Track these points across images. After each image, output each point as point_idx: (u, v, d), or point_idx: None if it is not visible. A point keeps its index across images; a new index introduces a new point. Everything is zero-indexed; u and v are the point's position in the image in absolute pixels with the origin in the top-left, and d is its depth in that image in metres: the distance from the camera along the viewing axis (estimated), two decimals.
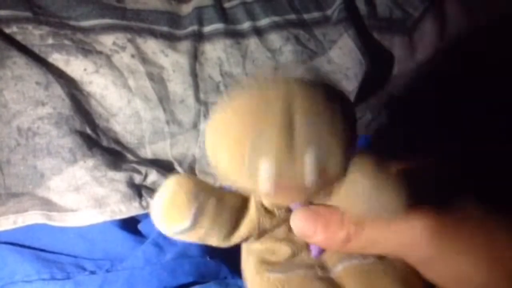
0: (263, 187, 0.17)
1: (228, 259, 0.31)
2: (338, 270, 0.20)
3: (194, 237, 0.19)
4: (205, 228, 0.18)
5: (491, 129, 0.38)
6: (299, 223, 0.19)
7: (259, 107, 0.16)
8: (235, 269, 0.31)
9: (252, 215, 0.19)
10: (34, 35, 0.36)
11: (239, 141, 0.16)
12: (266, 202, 0.19)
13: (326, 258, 0.20)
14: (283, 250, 0.20)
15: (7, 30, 0.35)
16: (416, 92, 0.42)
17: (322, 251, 0.20)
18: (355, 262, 0.20)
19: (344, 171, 0.17)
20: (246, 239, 0.20)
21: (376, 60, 0.42)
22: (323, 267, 0.20)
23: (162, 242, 0.31)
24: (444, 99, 0.40)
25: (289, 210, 0.20)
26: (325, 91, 0.17)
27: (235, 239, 0.19)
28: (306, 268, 0.20)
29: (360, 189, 0.17)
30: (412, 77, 0.42)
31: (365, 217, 0.18)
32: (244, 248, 0.21)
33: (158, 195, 0.18)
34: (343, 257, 0.20)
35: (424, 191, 0.18)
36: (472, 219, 0.19)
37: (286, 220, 0.20)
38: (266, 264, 0.20)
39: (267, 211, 0.19)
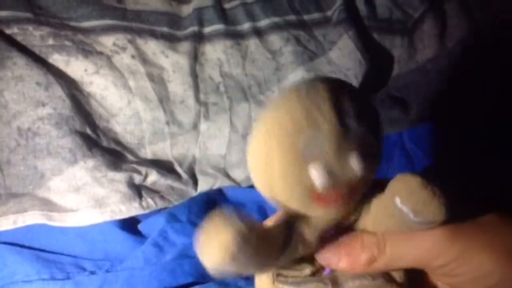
0: (317, 184, 0.17)
1: None
2: (349, 286, 0.21)
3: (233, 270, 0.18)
4: (242, 266, 0.18)
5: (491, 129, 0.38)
6: (324, 253, 0.20)
7: (311, 109, 0.17)
8: None
9: (294, 247, 0.19)
10: (34, 36, 0.36)
11: (295, 134, 0.17)
12: (307, 227, 0.19)
13: (338, 274, 0.21)
14: (306, 271, 0.21)
15: (8, 31, 0.35)
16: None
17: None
18: (365, 282, 0.21)
19: (375, 170, 0.19)
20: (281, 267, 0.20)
21: (376, 60, 0.42)
22: (335, 282, 0.21)
23: (162, 243, 0.31)
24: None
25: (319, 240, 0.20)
26: (359, 92, 0.19)
27: (273, 268, 0.20)
28: (318, 282, 0.20)
29: (406, 201, 0.18)
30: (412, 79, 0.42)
31: (400, 229, 0.19)
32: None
33: (202, 236, 0.18)
34: (354, 276, 0.21)
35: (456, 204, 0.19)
36: (486, 221, 0.20)
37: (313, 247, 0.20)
38: (281, 275, 0.21)
39: (304, 241, 0.20)
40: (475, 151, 0.37)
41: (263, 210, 0.35)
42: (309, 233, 0.20)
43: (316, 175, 0.17)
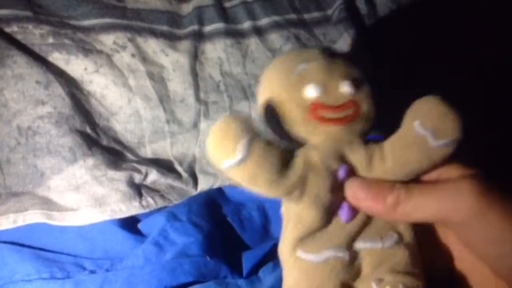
0: (311, 97, 0.21)
1: (228, 258, 0.31)
2: (360, 249, 0.22)
3: (242, 175, 0.20)
4: (253, 165, 0.19)
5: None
6: (355, 187, 0.21)
7: (304, 54, 0.22)
8: (235, 268, 0.31)
9: (298, 165, 0.21)
10: (34, 34, 0.36)
11: (290, 67, 0.21)
12: (314, 155, 0.21)
13: (351, 236, 0.22)
14: (312, 215, 0.21)
15: (8, 29, 0.35)
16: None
17: (352, 216, 0.22)
18: (377, 245, 0.22)
19: (371, 114, 0.22)
20: (290, 191, 0.20)
21: (377, 60, 0.41)
22: (350, 247, 0.21)
23: (162, 242, 0.31)
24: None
25: (333, 175, 0.21)
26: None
27: (282, 188, 0.20)
28: (335, 250, 0.21)
29: (427, 111, 0.21)
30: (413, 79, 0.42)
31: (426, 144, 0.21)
32: (285, 214, 0.22)
33: (211, 131, 0.20)
34: (366, 239, 0.22)
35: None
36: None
37: (329, 181, 0.21)
38: (301, 243, 0.21)
39: (313, 167, 0.21)
40: (475, 151, 0.37)
41: (263, 210, 0.35)
42: (318, 158, 0.21)
43: (310, 91, 0.21)
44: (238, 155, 0.19)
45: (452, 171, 0.21)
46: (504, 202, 0.20)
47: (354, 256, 0.21)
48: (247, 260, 0.32)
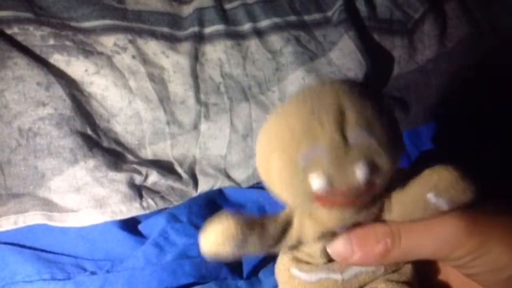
0: (316, 191, 0.17)
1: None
2: (354, 273, 0.21)
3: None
4: (246, 254, 0.19)
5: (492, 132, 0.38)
6: (336, 247, 0.20)
7: (311, 121, 0.17)
8: (235, 269, 0.31)
9: (294, 230, 0.20)
10: (35, 36, 0.36)
11: (293, 147, 0.17)
12: (312, 216, 0.20)
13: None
14: (319, 260, 0.21)
15: (9, 31, 0.35)
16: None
17: None
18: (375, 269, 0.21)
19: (395, 169, 0.18)
20: (284, 252, 0.21)
21: (376, 61, 0.42)
22: (344, 270, 0.21)
23: (162, 243, 0.31)
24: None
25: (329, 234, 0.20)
26: (370, 96, 0.18)
27: (275, 250, 0.20)
28: (328, 272, 0.21)
29: (434, 183, 0.19)
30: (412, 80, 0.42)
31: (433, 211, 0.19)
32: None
33: (203, 237, 0.19)
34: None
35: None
36: (502, 213, 0.20)
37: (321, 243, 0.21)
38: (296, 261, 0.21)
39: (309, 226, 0.20)
40: (474, 151, 0.37)
41: (263, 211, 0.35)
42: (313, 228, 0.20)
43: (315, 184, 0.17)
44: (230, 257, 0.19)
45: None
46: (494, 228, 0.20)
47: (349, 278, 0.21)
48: (248, 261, 0.32)
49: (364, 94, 0.18)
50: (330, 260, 0.21)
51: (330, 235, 0.20)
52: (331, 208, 0.19)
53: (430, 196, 0.19)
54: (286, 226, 0.20)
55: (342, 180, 0.17)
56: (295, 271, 0.21)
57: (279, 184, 0.18)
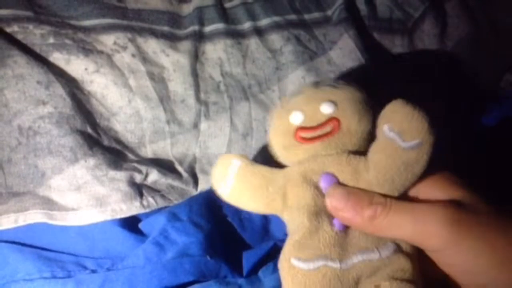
0: (294, 122, 0.23)
1: (228, 258, 0.31)
2: (354, 263, 0.22)
3: (232, 199, 0.25)
4: (238, 189, 0.24)
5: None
6: (333, 197, 0.22)
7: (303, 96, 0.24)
8: (235, 268, 0.31)
9: (277, 181, 0.24)
10: (35, 35, 0.36)
11: (284, 112, 0.24)
12: (302, 168, 0.24)
13: (347, 248, 0.22)
14: (296, 222, 0.23)
15: (8, 29, 0.35)
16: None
17: (345, 226, 0.22)
18: (373, 257, 0.22)
19: (361, 128, 0.23)
20: (270, 203, 0.24)
21: (376, 60, 0.42)
22: (342, 259, 0.22)
23: (162, 241, 0.31)
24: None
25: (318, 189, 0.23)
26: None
27: (262, 201, 0.24)
28: (326, 259, 0.22)
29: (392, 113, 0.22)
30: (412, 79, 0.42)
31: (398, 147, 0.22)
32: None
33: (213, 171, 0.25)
34: (362, 251, 0.22)
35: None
36: (488, 217, 0.20)
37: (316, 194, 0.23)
38: (295, 251, 0.22)
39: (292, 180, 0.24)
40: (474, 152, 0.37)
41: None
42: (296, 172, 0.24)
43: (293, 118, 0.23)
44: (228, 183, 0.24)
45: (436, 185, 0.22)
46: (478, 233, 0.20)
47: (348, 267, 0.22)
48: (247, 259, 0.32)
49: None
50: (319, 228, 0.22)
51: (313, 181, 0.23)
52: (307, 144, 0.23)
53: (385, 129, 0.21)
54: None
55: (313, 117, 0.23)
56: (294, 261, 0.22)
57: (273, 134, 0.24)
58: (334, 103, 0.23)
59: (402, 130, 0.21)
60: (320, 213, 0.22)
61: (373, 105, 0.24)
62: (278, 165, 0.25)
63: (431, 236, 0.20)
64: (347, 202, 0.21)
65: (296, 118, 0.23)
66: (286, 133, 0.24)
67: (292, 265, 0.22)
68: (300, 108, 0.23)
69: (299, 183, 0.23)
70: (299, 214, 0.22)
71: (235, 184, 0.24)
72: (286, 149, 0.24)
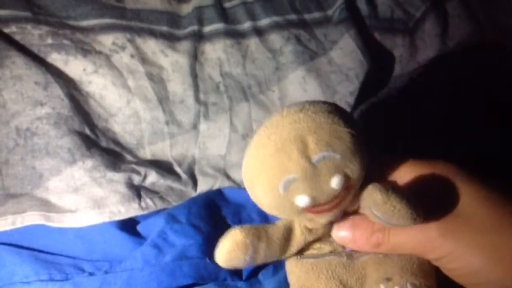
0: (303, 207, 0.21)
1: None
2: (363, 259, 0.23)
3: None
4: (260, 262, 0.23)
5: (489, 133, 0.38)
6: (340, 234, 0.24)
7: (283, 159, 0.20)
8: (235, 271, 0.31)
9: (298, 237, 0.23)
10: (33, 35, 0.35)
11: (270, 180, 0.20)
12: (309, 224, 0.23)
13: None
14: (326, 249, 0.24)
15: (6, 30, 0.35)
16: (417, 95, 0.41)
17: None
18: (379, 254, 0.23)
19: (364, 171, 0.21)
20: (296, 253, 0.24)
21: (377, 60, 0.41)
22: (350, 256, 0.24)
23: (161, 244, 0.31)
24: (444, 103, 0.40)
25: (327, 224, 0.24)
26: (328, 116, 0.20)
27: (287, 256, 0.24)
28: (334, 255, 0.24)
29: (377, 206, 0.21)
30: (414, 79, 0.42)
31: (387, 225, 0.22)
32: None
33: (218, 251, 0.22)
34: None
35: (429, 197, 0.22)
36: (478, 220, 0.22)
37: (326, 232, 0.24)
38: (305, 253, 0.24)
39: (310, 230, 0.23)
40: (474, 152, 0.37)
41: (263, 212, 0.35)
42: (312, 226, 0.23)
43: (301, 203, 0.21)
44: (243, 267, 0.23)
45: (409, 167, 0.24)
46: (470, 239, 0.22)
47: (355, 262, 0.23)
48: None
49: (321, 116, 0.20)
50: (332, 251, 0.24)
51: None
52: (318, 215, 0.22)
53: (373, 210, 0.21)
54: (289, 232, 0.23)
55: (323, 195, 0.21)
56: (304, 260, 0.24)
57: (267, 208, 0.22)
58: (341, 173, 0.20)
59: (387, 219, 0.21)
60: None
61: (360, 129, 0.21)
62: None
63: (429, 250, 0.22)
64: (353, 233, 0.23)
65: (303, 202, 0.21)
66: (288, 212, 0.22)
67: (301, 260, 0.24)
68: (305, 193, 0.20)
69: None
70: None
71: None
72: (279, 212, 0.22)
